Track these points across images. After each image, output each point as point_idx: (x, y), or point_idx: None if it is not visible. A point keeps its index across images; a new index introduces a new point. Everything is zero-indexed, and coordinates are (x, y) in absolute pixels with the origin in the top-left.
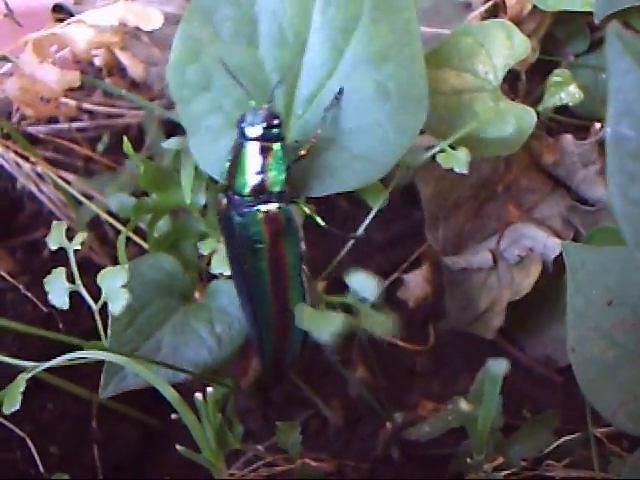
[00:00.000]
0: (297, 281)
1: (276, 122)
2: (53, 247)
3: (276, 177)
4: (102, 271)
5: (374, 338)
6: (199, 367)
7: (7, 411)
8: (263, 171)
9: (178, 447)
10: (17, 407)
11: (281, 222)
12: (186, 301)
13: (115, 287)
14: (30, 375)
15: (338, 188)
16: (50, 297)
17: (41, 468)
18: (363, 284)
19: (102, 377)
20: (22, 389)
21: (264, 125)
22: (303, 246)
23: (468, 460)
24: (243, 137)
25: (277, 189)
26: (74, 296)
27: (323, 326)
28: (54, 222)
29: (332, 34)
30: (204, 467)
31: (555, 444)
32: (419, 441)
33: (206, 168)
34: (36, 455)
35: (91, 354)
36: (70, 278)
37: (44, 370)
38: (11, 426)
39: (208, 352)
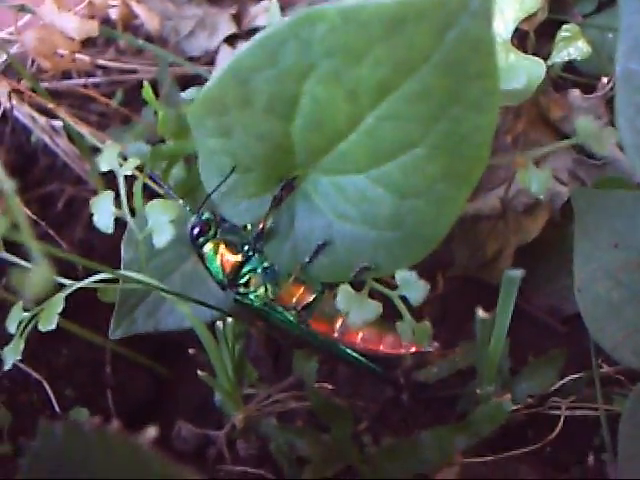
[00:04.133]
0: None
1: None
2: (104, 169)
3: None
4: (152, 202)
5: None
6: (206, 317)
7: (43, 329)
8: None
9: (200, 373)
10: (54, 326)
11: None
12: None
13: (163, 220)
14: (68, 293)
15: None
16: (95, 219)
17: (57, 409)
18: (411, 286)
19: (112, 320)
20: (60, 308)
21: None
22: None
23: (477, 391)
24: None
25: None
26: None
27: (359, 311)
28: (107, 142)
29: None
30: (213, 414)
31: (560, 382)
32: (427, 383)
33: None
34: (52, 397)
35: (127, 275)
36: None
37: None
38: (28, 369)
39: (215, 302)
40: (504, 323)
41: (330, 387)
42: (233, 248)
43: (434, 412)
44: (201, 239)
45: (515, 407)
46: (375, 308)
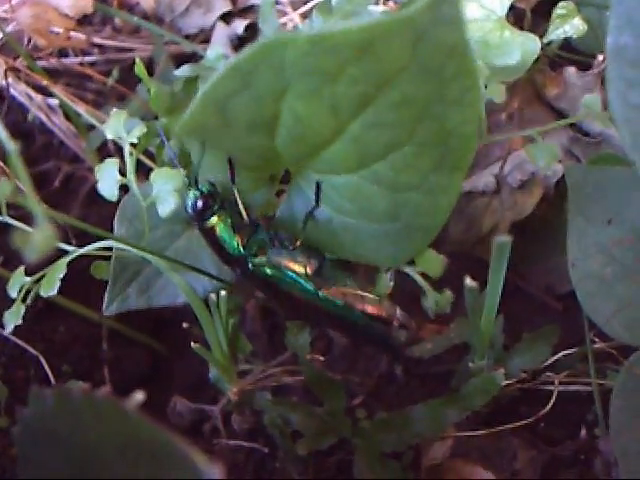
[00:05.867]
0: None
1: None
2: (110, 137)
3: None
4: (156, 170)
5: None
6: (200, 292)
7: (45, 294)
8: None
9: (193, 345)
10: (55, 292)
11: None
12: (190, 227)
13: (167, 189)
14: (71, 258)
15: None
16: (99, 186)
17: (53, 384)
18: (430, 261)
19: (106, 296)
20: (62, 274)
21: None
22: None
23: (470, 364)
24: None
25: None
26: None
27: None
28: (113, 110)
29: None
30: (208, 390)
31: (554, 358)
32: (422, 359)
33: None
34: (49, 372)
35: (127, 246)
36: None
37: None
38: (25, 345)
39: (209, 278)
40: (496, 293)
41: (322, 359)
42: (241, 219)
43: (428, 387)
44: (207, 212)
45: (508, 382)
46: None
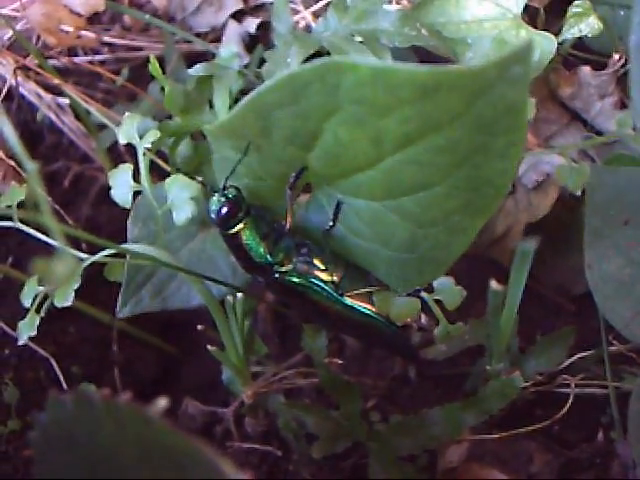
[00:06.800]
0: None
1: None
2: (123, 141)
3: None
4: (171, 178)
5: None
6: (214, 294)
7: (59, 305)
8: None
9: (210, 347)
10: (69, 302)
11: None
12: (205, 228)
13: (183, 197)
14: (87, 264)
15: None
16: (113, 193)
17: (64, 386)
18: (447, 291)
19: (119, 298)
20: (77, 285)
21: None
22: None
23: (487, 367)
24: None
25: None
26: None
27: (403, 311)
28: (126, 113)
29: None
30: (219, 392)
31: (570, 360)
32: (435, 361)
33: None
34: (60, 374)
35: (142, 249)
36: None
37: None
38: (35, 347)
39: (222, 279)
40: (516, 296)
41: (339, 362)
42: (267, 226)
43: (442, 390)
44: (232, 218)
45: (524, 385)
46: (416, 306)
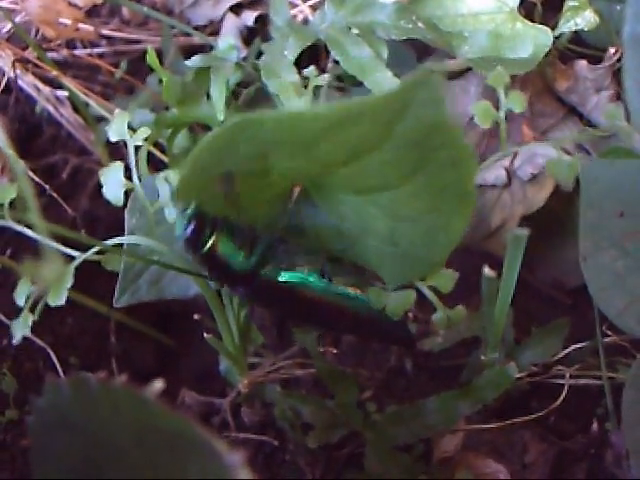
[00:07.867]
0: None
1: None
2: (113, 139)
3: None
4: (163, 172)
5: None
6: (210, 284)
7: (53, 304)
8: None
9: (206, 336)
10: (63, 301)
11: None
12: None
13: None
14: (77, 263)
15: None
16: (105, 191)
17: (62, 376)
18: (441, 276)
19: (117, 288)
20: (69, 283)
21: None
22: None
23: (482, 357)
24: None
25: None
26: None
27: (398, 304)
28: (117, 111)
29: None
30: (216, 383)
31: (565, 351)
32: (431, 352)
33: None
34: (57, 364)
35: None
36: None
37: None
38: (33, 337)
39: None
40: (510, 283)
41: (335, 351)
42: (238, 232)
43: (438, 381)
44: (201, 235)
45: (519, 375)
46: (411, 297)
